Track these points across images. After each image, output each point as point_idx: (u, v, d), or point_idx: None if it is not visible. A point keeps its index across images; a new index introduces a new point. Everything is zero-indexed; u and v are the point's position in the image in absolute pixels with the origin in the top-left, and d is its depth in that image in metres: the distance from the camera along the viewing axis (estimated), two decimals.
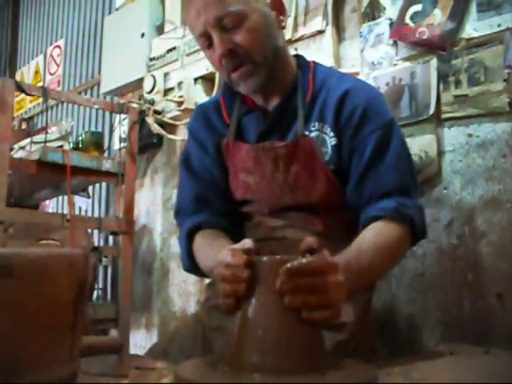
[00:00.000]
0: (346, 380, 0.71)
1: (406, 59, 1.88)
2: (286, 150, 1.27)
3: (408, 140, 1.85)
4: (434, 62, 1.78)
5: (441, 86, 1.76)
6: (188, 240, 1.33)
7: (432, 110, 1.77)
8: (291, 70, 1.34)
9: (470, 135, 1.72)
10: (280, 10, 1.31)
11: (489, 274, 1.64)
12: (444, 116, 1.76)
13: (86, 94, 4.06)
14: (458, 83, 1.71)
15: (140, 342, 2.92)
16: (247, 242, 0.91)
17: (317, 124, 1.28)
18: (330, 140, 1.26)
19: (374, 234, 1.14)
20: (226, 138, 1.36)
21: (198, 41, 1.29)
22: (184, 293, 2.73)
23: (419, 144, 1.81)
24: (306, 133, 1.28)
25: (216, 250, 1.19)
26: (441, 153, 1.78)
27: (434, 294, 1.74)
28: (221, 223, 1.34)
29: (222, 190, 1.39)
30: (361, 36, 2.01)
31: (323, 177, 1.26)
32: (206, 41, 1.24)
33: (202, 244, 1.30)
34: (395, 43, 1.91)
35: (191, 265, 1.33)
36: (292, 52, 1.45)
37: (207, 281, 1.50)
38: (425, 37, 1.79)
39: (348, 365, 0.83)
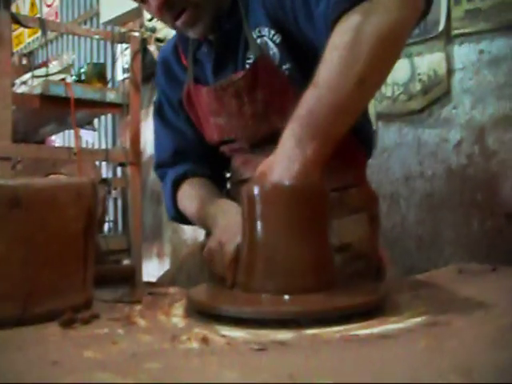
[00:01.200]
0: (356, 297, 0.72)
1: None
2: (244, 80, 1.16)
3: (416, 59, 1.80)
4: None
5: (451, 1, 1.69)
6: (173, 190, 1.32)
7: (441, 27, 1.71)
8: None
9: (482, 52, 1.67)
10: None
11: (498, 193, 1.63)
12: (454, 32, 1.70)
13: (85, 25, 3.97)
14: None
15: (152, 271, 2.98)
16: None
17: (253, 33, 1.16)
18: (274, 39, 1.14)
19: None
20: (185, 86, 1.29)
21: None
22: None
23: (428, 62, 1.76)
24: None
25: (203, 199, 1.21)
26: (450, 71, 1.74)
27: (443, 214, 1.75)
28: (205, 171, 1.33)
29: (196, 140, 1.35)
30: None
31: (292, 94, 1.12)
32: None
33: (190, 192, 1.29)
34: None
35: (176, 214, 1.34)
36: None
37: None
38: None
39: (357, 283, 0.84)
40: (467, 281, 0.96)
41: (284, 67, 1.14)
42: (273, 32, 1.13)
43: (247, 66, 1.17)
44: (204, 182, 1.30)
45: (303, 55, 1.11)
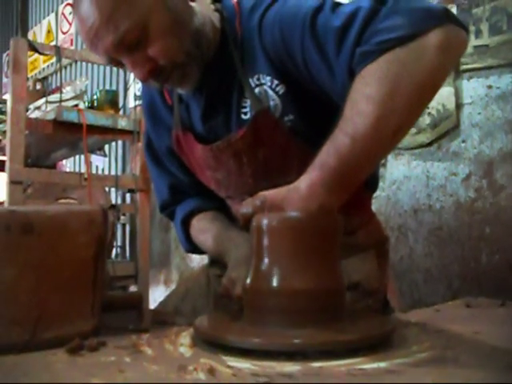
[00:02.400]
0: (363, 331, 0.71)
1: None
2: (243, 140, 1.08)
3: None
4: (453, 11, 1.74)
5: None
6: (184, 227, 1.30)
7: None
8: (217, 35, 1.10)
9: (490, 87, 1.68)
10: None
11: (507, 227, 1.63)
12: (463, 68, 1.72)
13: None
14: (478, 33, 1.67)
15: (159, 297, 2.96)
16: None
17: (251, 80, 1.07)
18: (277, 89, 1.05)
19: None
20: (174, 133, 1.22)
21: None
22: None
23: (437, 97, 1.75)
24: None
25: (214, 236, 1.19)
26: (459, 105, 1.76)
27: (452, 247, 1.74)
28: (211, 205, 1.29)
29: (192, 181, 1.29)
30: None
31: (294, 148, 1.09)
32: (118, 65, 1.05)
33: (201, 228, 1.27)
34: None
35: (192, 247, 1.32)
36: None
37: None
38: None
39: (365, 316, 0.83)
40: (475, 315, 0.95)
41: (286, 119, 1.07)
42: (276, 82, 1.05)
43: (243, 116, 1.10)
44: (212, 215, 1.27)
45: (307, 106, 1.06)
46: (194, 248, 1.32)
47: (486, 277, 1.67)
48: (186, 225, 1.30)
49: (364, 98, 0.81)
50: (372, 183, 1.25)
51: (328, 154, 0.82)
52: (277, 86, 1.05)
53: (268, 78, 1.05)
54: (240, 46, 1.08)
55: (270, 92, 1.06)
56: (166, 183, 1.32)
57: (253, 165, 1.11)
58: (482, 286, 1.68)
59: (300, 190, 0.82)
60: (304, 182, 0.83)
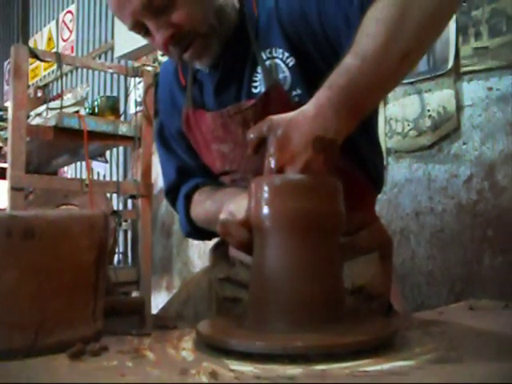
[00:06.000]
0: (366, 333, 0.71)
1: None
2: (253, 110, 1.10)
3: (426, 95, 1.82)
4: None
5: (460, 39, 1.72)
6: (186, 202, 1.30)
7: (450, 64, 1.74)
8: (236, 15, 1.15)
9: (490, 89, 1.68)
10: None
11: (509, 229, 1.63)
12: (463, 70, 1.73)
13: (99, 59, 4.05)
14: (478, 35, 1.67)
15: (161, 303, 2.95)
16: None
17: (263, 53, 1.11)
18: (287, 62, 1.09)
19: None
20: (184, 111, 1.24)
21: (131, 31, 1.13)
22: (204, 254, 2.76)
23: (437, 99, 1.78)
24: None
25: (219, 197, 1.18)
26: (460, 107, 1.76)
27: (454, 250, 1.74)
28: (215, 183, 1.28)
29: (199, 167, 1.31)
30: None
31: None
32: (142, 30, 1.09)
33: (200, 200, 1.27)
34: None
35: (191, 228, 1.31)
36: None
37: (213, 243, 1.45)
38: None
39: (367, 318, 0.83)
40: (478, 317, 0.95)
41: (294, 93, 1.09)
42: (287, 54, 1.09)
43: (253, 90, 1.13)
44: (213, 187, 1.27)
45: (316, 81, 1.02)
46: (192, 229, 1.31)
47: (489, 279, 1.67)
48: (188, 199, 1.30)
49: (374, 21, 0.85)
50: (376, 180, 1.24)
51: (337, 75, 0.83)
52: (287, 58, 1.09)
53: (280, 51, 1.09)
54: (255, 23, 1.12)
55: (282, 64, 1.09)
56: (174, 166, 1.34)
57: None
58: (485, 288, 1.68)
59: (307, 112, 0.82)
60: (311, 103, 0.82)
